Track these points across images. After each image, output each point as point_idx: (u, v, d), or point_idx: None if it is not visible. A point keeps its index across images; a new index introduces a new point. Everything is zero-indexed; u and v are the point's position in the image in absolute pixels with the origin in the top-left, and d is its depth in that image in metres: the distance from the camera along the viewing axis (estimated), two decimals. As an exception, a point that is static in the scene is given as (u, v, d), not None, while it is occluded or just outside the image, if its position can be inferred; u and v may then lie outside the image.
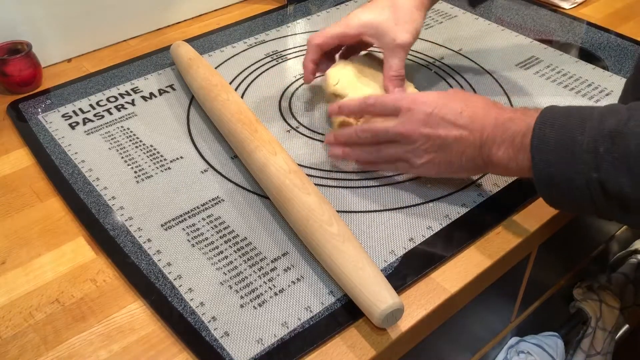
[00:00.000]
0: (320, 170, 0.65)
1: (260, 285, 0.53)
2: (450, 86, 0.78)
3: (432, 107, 0.56)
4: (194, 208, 0.61)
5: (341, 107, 0.63)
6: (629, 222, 0.52)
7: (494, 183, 0.63)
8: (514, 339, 0.82)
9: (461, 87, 0.78)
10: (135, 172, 0.66)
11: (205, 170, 0.66)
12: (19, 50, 0.78)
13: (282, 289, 0.53)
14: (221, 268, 0.55)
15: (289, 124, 0.72)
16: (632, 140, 0.45)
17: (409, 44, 0.67)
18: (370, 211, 0.60)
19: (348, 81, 0.68)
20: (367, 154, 0.61)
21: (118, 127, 0.72)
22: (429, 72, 0.81)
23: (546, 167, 0.50)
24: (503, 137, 0.53)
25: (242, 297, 0.52)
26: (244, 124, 0.64)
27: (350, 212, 0.60)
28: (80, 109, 0.76)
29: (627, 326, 1.08)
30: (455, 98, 0.57)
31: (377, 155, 0.60)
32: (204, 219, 0.59)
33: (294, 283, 0.53)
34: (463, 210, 0.60)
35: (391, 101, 0.59)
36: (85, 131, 0.72)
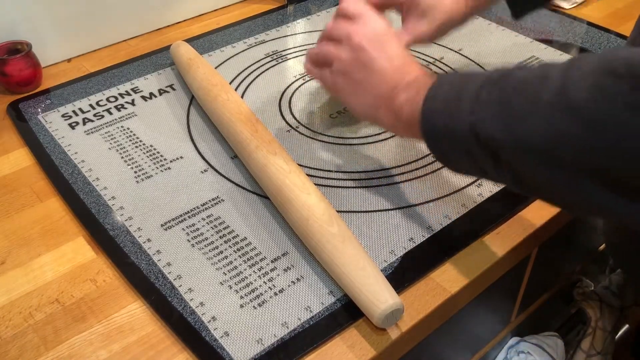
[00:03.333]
0: (320, 170, 0.65)
1: (260, 285, 0.53)
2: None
3: (381, 33, 0.55)
4: (194, 208, 0.61)
5: (307, 55, 0.61)
6: (502, 180, 0.45)
7: (494, 183, 0.63)
8: (514, 339, 0.82)
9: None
10: (135, 172, 0.66)
11: (205, 170, 0.66)
12: (19, 50, 0.78)
13: (282, 289, 0.53)
14: (221, 268, 0.55)
15: (289, 124, 0.72)
16: (512, 80, 0.42)
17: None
18: (370, 211, 0.60)
19: None
20: (318, 51, 0.59)
21: (118, 127, 0.72)
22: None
23: (432, 118, 0.47)
24: (412, 84, 0.51)
25: (242, 297, 0.52)
26: (244, 124, 0.64)
27: (350, 212, 0.60)
28: (80, 109, 0.76)
29: (627, 326, 1.08)
30: (394, 42, 0.56)
31: (319, 50, 0.59)
32: (203, 219, 0.59)
33: (294, 283, 0.53)
34: (463, 211, 0.60)
35: (347, 10, 0.57)
36: (85, 131, 0.72)
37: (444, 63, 0.82)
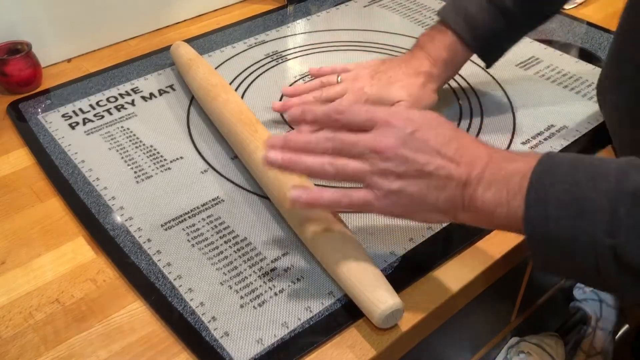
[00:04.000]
0: (320, 170, 0.65)
1: (260, 285, 0.53)
2: (451, 87, 0.78)
3: (415, 126, 0.46)
4: (194, 208, 0.61)
5: (304, 112, 0.49)
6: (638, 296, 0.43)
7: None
8: (514, 339, 0.82)
9: (461, 87, 0.78)
10: (135, 172, 0.66)
11: (205, 171, 0.66)
12: (19, 50, 0.78)
13: (282, 289, 0.53)
14: (221, 268, 0.55)
15: (289, 125, 0.72)
16: None
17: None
18: (370, 211, 0.60)
19: None
20: (324, 166, 0.47)
21: (118, 127, 0.72)
22: (429, 72, 0.81)
23: (544, 224, 0.41)
24: (496, 177, 0.44)
25: (242, 297, 0.52)
26: (244, 124, 0.64)
27: (351, 212, 0.60)
28: (80, 109, 0.76)
29: (627, 326, 1.08)
30: (442, 123, 0.48)
31: (337, 170, 0.47)
32: (204, 219, 0.59)
33: (294, 283, 0.53)
34: (463, 210, 0.60)
35: (365, 112, 0.48)
36: (85, 131, 0.72)
37: (444, 63, 0.82)
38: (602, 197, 0.39)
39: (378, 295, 0.48)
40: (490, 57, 0.71)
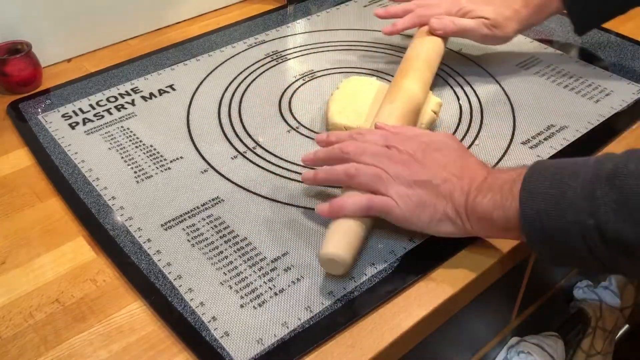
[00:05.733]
0: (320, 170, 0.65)
1: (260, 285, 0.53)
2: (451, 87, 0.78)
3: (426, 142, 0.55)
4: (194, 208, 0.61)
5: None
6: (635, 271, 0.46)
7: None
8: (514, 339, 0.82)
9: (462, 88, 0.78)
10: (135, 172, 0.66)
11: (205, 170, 0.66)
12: (19, 50, 0.78)
13: (282, 289, 0.53)
14: (221, 268, 0.55)
15: (289, 124, 0.72)
16: (631, 181, 0.42)
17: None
18: (370, 211, 0.60)
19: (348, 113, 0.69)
20: (342, 167, 0.55)
21: (118, 127, 0.72)
22: (429, 72, 0.81)
23: (536, 219, 0.46)
24: (492, 186, 0.50)
25: (242, 297, 0.52)
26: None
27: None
28: (80, 109, 0.76)
29: (627, 326, 1.08)
30: (451, 145, 0.55)
31: (356, 169, 0.54)
32: (204, 219, 0.59)
33: (294, 283, 0.53)
34: (463, 210, 0.60)
35: (381, 135, 0.57)
36: (85, 131, 0.72)
37: (444, 64, 0.82)
38: (582, 185, 0.44)
39: (327, 243, 0.51)
40: (580, 19, 0.75)
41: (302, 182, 0.60)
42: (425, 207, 0.52)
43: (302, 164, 0.66)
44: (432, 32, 0.76)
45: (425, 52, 0.74)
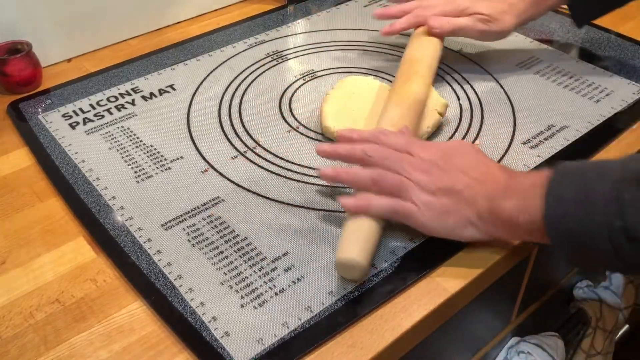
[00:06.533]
0: (321, 170, 0.65)
1: (261, 285, 0.53)
2: (451, 86, 0.78)
3: (445, 149, 0.55)
4: (194, 208, 0.61)
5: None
6: None
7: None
8: (514, 339, 0.82)
9: (462, 88, 0.78)
10: (136, 172, 0.66)
11: (205, 170, 0.66)
12: (19, 50, 0.78)
13: (283, 289, 0.53)
14: (221, 268, 0.55)
15: (289, 124, 0.72)
16: None
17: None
18: (371, 211, 0.60)
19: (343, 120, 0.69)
20: (367, 172, 0.55)
21: (118, 127, 0.72)
22: (429, 72, 0.81)
23: (563, 222, 0.46)
24: (515, 190, 0.50)
25: (242, 297, 0.52)
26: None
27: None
28: (81, 109, 0.76)
29: (627, 326, 1.08)
30: (470, 151, 0.56)
31: (380, 175, 0.55)
32: (204, 219, 0.59)
33: (294, 283, 0.53)
34: (463, 210, 0.60)
35: (403, 141, 0.57)
36: (85, 131, 0.72)
37: (444, 63, 0.82)
38: (609, 188, 0.44)
39: (343, 246, 0.51)
40: (580, 11, 0.74)
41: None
42: (449, 214, 0.52)
43: (302, 163, 0.66)
44: (429, 32, 0.76)
45: (427, 55, 0.73)
